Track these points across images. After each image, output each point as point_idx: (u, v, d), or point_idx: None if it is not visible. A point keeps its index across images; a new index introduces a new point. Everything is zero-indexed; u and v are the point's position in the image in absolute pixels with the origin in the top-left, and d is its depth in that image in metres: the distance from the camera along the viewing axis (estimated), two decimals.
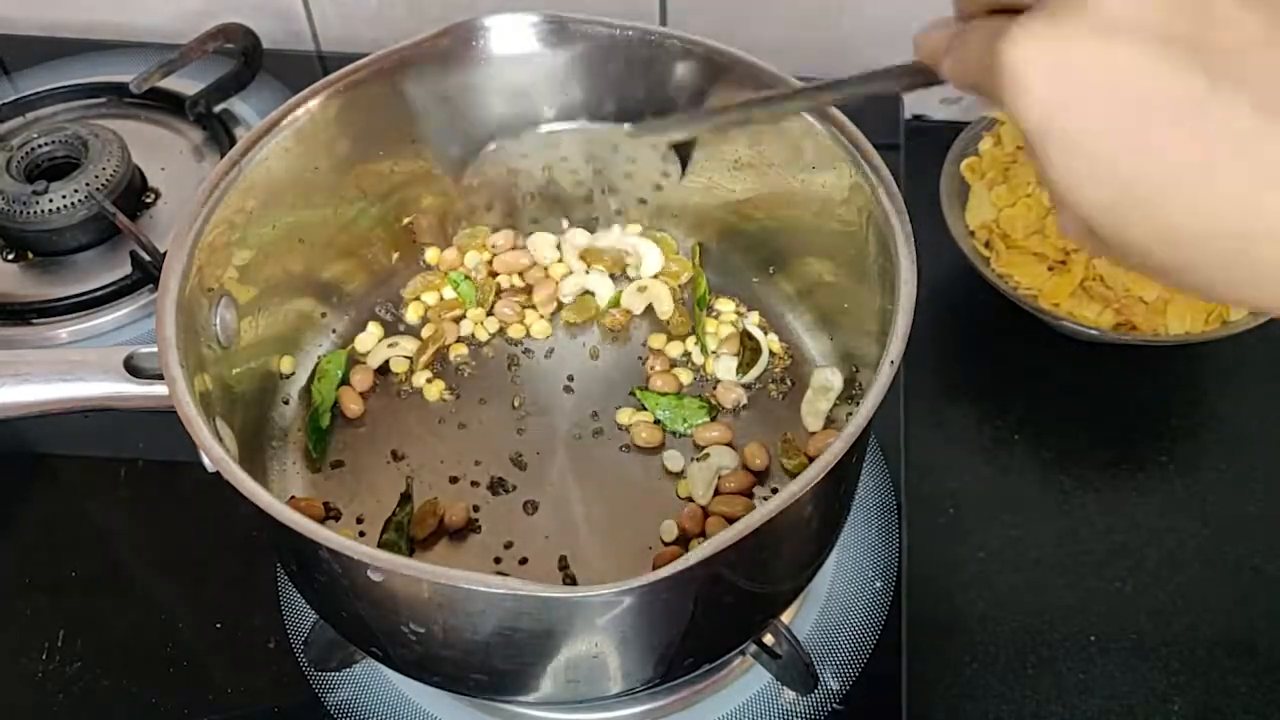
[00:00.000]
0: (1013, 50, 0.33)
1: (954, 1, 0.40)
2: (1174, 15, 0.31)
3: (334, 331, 0.70)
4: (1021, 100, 0.33)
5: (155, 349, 0.52)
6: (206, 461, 0.49)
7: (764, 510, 0.46)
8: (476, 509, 0.63)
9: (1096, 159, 0.33)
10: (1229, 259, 0.33)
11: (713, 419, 0.67)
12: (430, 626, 0.50)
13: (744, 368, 0.68)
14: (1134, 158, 0.32)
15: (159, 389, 0.52)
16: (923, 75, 0.43)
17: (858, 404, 0.52)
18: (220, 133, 0.91)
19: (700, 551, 0.44)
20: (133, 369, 0.54)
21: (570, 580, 0.60)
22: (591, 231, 0.74)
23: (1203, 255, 0.33)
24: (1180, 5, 0.31)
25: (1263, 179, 0.31)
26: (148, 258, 0.80)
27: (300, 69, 0.97)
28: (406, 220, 0.72)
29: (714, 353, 0.69)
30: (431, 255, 0.73)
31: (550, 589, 0.45)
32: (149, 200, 0.88)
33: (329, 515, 0.63)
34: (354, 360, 0.70)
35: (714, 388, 0.68)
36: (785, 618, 0.64)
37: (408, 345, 0.70)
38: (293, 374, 0.68)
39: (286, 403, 0.67)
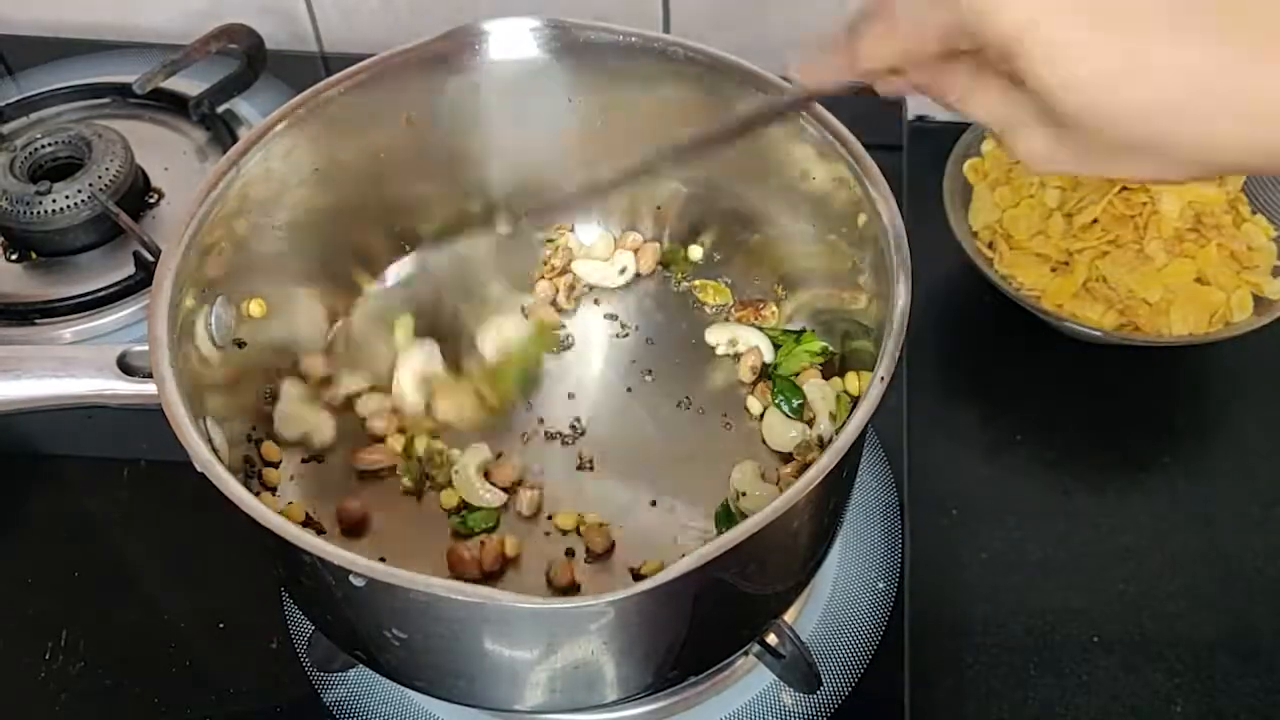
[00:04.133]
0: None
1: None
2: None
3: (332, 334, 0.70)
4: (996, 18, 0.37)
5: (148, 348, 0.52)
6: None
7: (750, 523, 0.45)
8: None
9: (1084, 42, 0.36)
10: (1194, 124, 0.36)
11: None
12: (412, 633, 0.50)
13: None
14: (1121, 32, 0.35)
15: (150, 387, 0.52)
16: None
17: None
18: (223, 133, 0.92)
19: (684, 564, 0.44)
20: (125, 367, 0.54)
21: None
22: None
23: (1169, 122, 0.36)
24: None
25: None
26: (151, 258, 0.80)
27: (303, 70, 0.97)
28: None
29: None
30: None
31: (530, 600, 0.44)
32: (152, 200, 0.88)
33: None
34: None
35: None
36: (788, 617, 0.63)
37: None
38: None
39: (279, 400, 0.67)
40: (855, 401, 0.64)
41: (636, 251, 0.73)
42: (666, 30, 0.95)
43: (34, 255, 0.85)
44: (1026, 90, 0.38)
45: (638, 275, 0.73)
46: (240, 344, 0.62)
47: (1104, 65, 0.36)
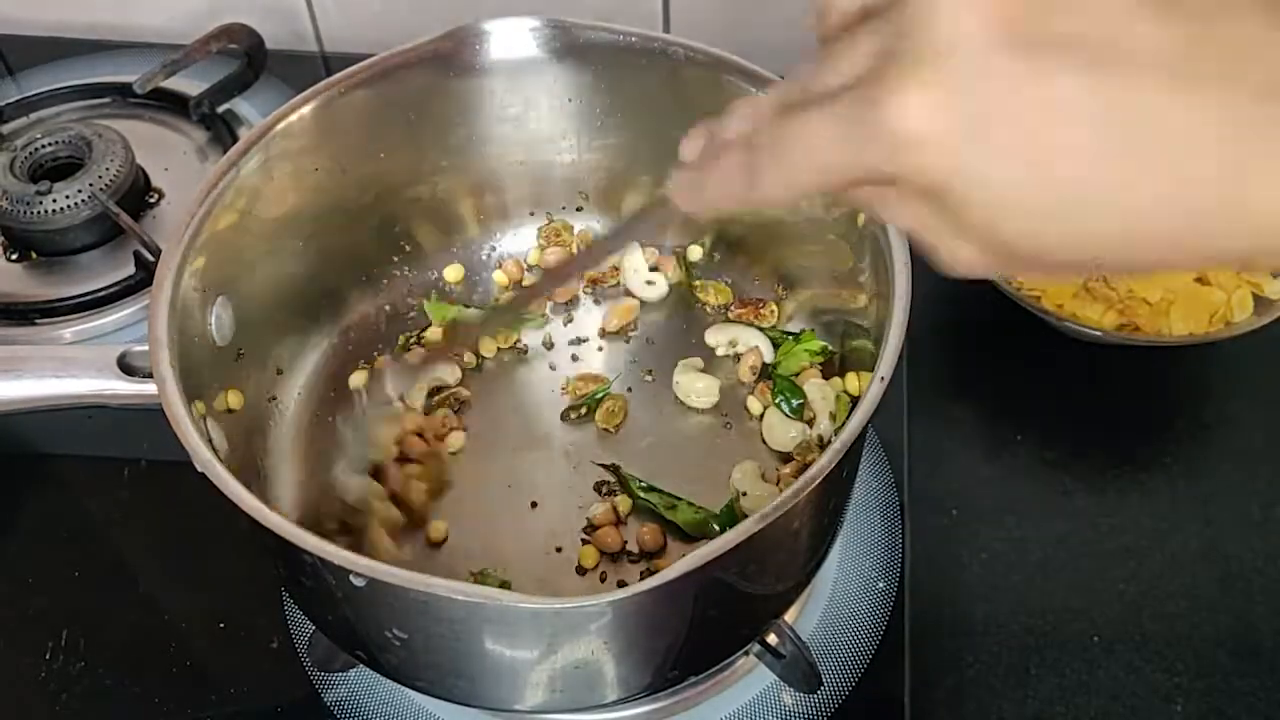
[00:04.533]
0: (902, 109, 0.32)
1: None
2: (1040, 14, 0.31)
3: (332, 334, 0.70)
4: (921, 158, 0.32)
5: (148, 348, 0.52)
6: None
7: (750, 523, 0.45)
8: None
9: (1019, 182, 0.32)
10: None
11: None
12: (413, 633, 0.50)
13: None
14: (1056, 169, 0.31)
15: (150, 387, 0.52)
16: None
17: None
18: (224, 133, 0.92)
19: (685, 564, 0.44)
20: (126, 367, 0.54)
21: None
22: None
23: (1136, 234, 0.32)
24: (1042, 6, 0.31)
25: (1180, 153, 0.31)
26: (151, 258, 0.80)
27: (304, 70, 0.97)
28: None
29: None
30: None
31: (531, 600, 0.45)
32: (152, 200, 0.88)
33: None
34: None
35: None
36: (789, 617, 0.63)
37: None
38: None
39: (278, 400, 0.67)
40: (855, 401, 0.64)
41: (658, 267, 0.74)
42: (666, 30, 0.95)
43: (34, 255, 0.85)
44: (950, 212, 0.34)
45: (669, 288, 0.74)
46: (242, 344, 0.62)
47: (1040, 205, 0.32)
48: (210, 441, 0.51)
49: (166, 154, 0.91)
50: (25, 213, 0.82)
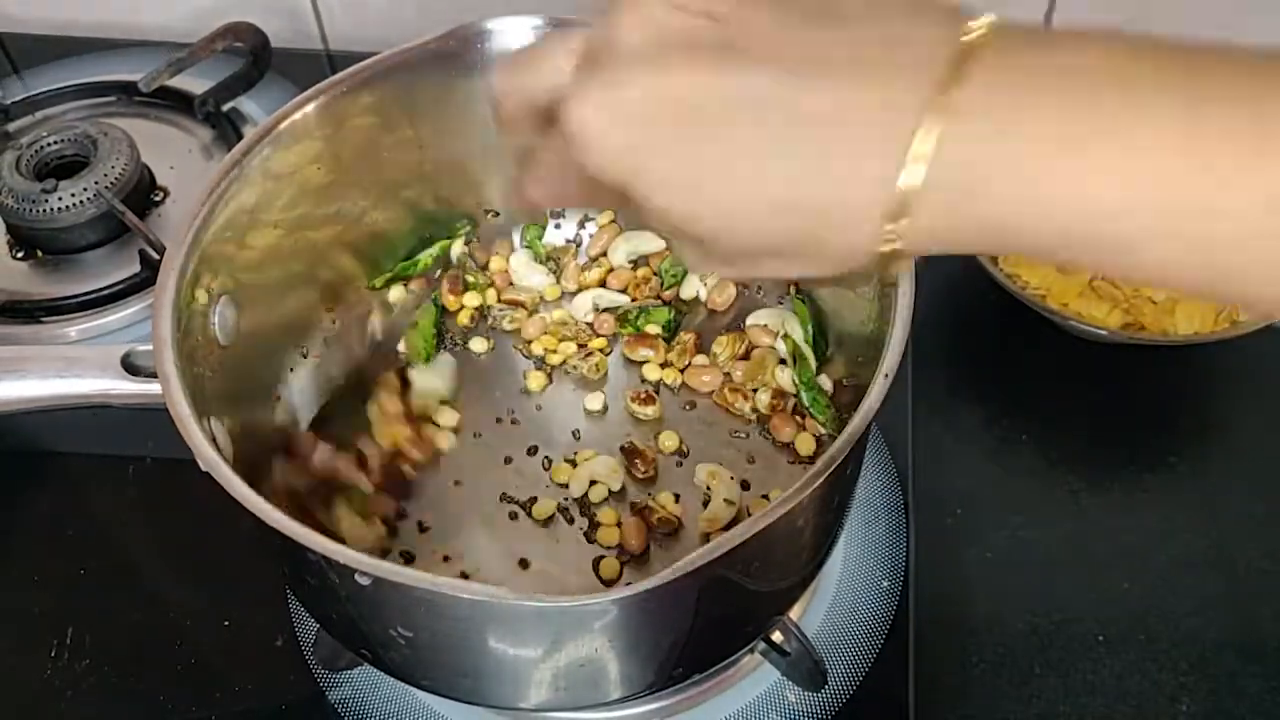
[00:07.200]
0: (577, 113, 0.36)
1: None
2: (684, 27, 0.35)
3: (335, 331, 0.70)
4: (599, 155, 0.36)
5: (152, 347, 0.52)
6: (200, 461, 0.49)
7: (754, 521, 0.45)
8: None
9: (682, 177, 0.35)
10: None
11: None
12: (418, 631, 0.50)
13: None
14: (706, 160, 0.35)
15: (154, 387, 0.52)
16: None
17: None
18: (229, 131, 0.92)
19: (688, 562, 0.44)
20: (130, 367, 0.54)
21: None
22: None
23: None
24: (685, 16, 0.35)
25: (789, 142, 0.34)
26: (156, 256, 0.80)
27: (308, 68, 0.97)
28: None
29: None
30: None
31: (535, 598, 0.45)
32: (158, 199, 0.88)
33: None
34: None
35: None
36: (793, 615, 0.63)
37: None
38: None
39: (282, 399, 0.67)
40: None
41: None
42: None
43: (40, 253, 0.85)
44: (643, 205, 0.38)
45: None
46: (246, 343, 0.62)
47: (687, 186, 0.36)
48: (214, 440, 0.51)
49: (172, 152, 0.91)
50: (31, 211, 0.82)
